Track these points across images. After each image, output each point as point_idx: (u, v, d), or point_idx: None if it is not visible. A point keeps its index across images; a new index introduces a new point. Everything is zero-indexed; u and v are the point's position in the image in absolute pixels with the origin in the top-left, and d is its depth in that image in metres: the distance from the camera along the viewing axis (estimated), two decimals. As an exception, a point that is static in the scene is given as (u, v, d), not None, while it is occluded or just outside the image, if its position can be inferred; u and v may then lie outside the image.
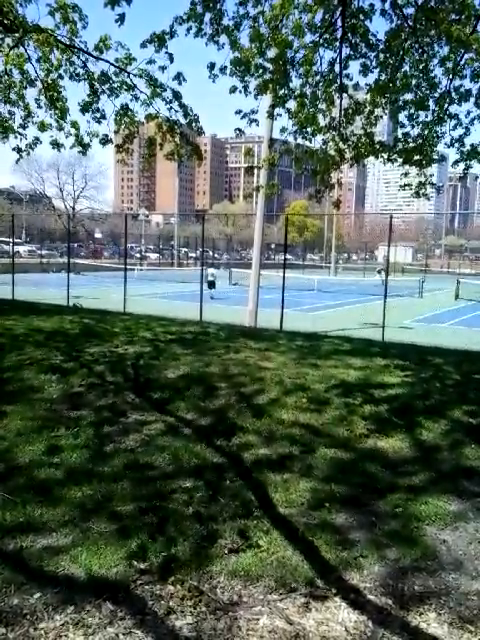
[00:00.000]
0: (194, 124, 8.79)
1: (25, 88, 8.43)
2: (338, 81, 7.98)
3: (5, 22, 7.48)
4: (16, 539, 3.73)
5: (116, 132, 8.92)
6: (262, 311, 16.00)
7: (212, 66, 7.75)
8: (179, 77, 8.08)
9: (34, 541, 3.72)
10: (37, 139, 8.85)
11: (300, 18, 7.26)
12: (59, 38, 7.94)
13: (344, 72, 7.90)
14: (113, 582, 3.32)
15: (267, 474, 4.97)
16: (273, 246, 73.91)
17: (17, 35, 7.64)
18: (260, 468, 5.12)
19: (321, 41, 7.56)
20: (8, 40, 7.95)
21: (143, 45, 7.58)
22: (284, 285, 15.74)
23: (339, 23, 7.51)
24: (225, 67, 7.68)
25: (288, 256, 19.34)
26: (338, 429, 6.31)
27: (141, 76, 8.35)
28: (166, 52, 7.66)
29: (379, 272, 37.45)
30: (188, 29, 7.36)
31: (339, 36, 7.60)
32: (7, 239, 37.82)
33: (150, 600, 3.19)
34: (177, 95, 8.42)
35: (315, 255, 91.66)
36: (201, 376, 8.41)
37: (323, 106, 8.21)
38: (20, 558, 3.55)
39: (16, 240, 30.47)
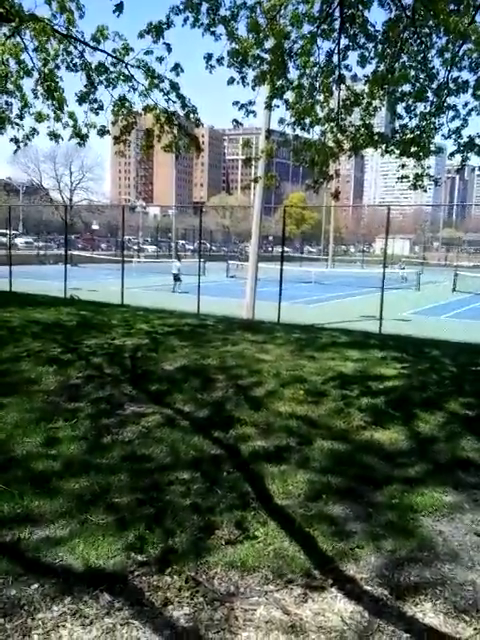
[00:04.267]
0: (192, 115, 8.73)
1: (22, 78, 8.33)
2: (336, 72, 7.93)
3: (1, 11, 7.39)
4: (14, 530, 3.74)
5: (114, 123, 8.85)
6: (259, 304, 15.99)
7: (209, 57, 7.70)
8: (177, 68, 8.02)
9: (32, 532, 3.73)
10: (34, 130, 8.76)
11: (298, 8, 7.21)
12: (56, 28, 7.86)
13: (342, 63, 7.86)
14: (111, 573, 3.34)
15: (264, 466, 4.99)
16: (271, 238, 73.81)
17: (13, 24, 7.56)
18: (257, 460, 5.14)
19: (319, 32, 7.51)
20: (4, 29, 7.87)
21: (140, 35, 7.52)
22: (282, 278, 15.73)
23: (337, 13, 7.46)
24: (222, 58, 7.63)
25: (286, 248, 19.28)
26: (335, 421, 6.32)
27: (139, 67, 8.28)
28: (164, 43, 7.59)
29: (402, 268, 36.57)
30: (185, 19, 7.30)
31: (337, 27, 7.55)
32: (4, 230, 37.81)
33: (148, 591, 3.21)
34: (175, 86, 8.36)
35: (313, 247, 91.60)
36: (199, 368, 8.41)
37: (321, 97, 8.16)
38: (18, 549, 3.56)
39: (13, 231, 30.39)
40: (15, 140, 8.84)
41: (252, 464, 5.06)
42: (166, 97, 8.47)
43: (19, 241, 51.00)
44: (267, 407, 6.69)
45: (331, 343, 11.19)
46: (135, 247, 58.90)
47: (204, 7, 7.23)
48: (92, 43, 8.04)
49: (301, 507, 4.25)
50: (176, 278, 23.59)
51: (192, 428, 5.93)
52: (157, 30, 7.43)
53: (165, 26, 7.41)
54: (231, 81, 7.84)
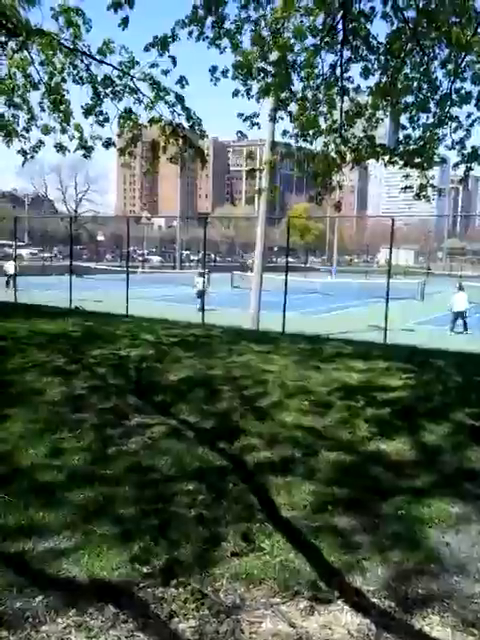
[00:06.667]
0: (197, 127, 8.78)
1: (28, 91, 8.42)
2: (339, 84, 7.98)
3: (8, 26, 7.47)
4: (18, 542, 3.72)
5: (119, 135, 8.92)
6: (264, 314, 16.01)
7: (214, 69, 7.75)
8: (182, 81, 8.08)
9: (36, 544, 3.71)
10: (41, 142, 8.82)
11: (301, 22, 7.26)
12: (62, 42, 7.94)
13: (345, 75, 7.90)
14: (116, 585, 3.31)
15: (270, 477, 4.97)
16: (275, 249, 73.97)
17: (21, 39, 7.64)
18: (263, 471, 5.12)
19: (322, 44, 7.55)
20: (11, 44, 7.95)
21: (146, 49, 7.58)
22: (286, 288, 15.74)
23: (340, 26, 7.50)
24: (227, 70, 7.69)
25: (290, 259, 19.28)
26: (340, 432, 6.30)
27: (144, 79, 8.34)
28: (169, 56, 7.66)
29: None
30: (190, 33, 7.36)
31: (340, 39, 7.60)
32: (9, 242, 38.11)
33: (153, 603, 3.19)
34: (180, 98, 8.41)
35: (317, 258, 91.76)
36: (204, 379, 8.41)
37: (324, 109, 8.21)
38: (22, 561, 3.54)
39: (18, 243, 30.56)
40: (22, 152, 8.91)
41: (257, 475, 5.04)
42: (171, 109, 8.53)
43: (24, 252, 51.22)
44: (272, 418, 6.68)
45: (336, 354, 11.17)
46: (140, 258, 59.09)
47: (209, 21, 7.29)
48: (98, 56, 8.11)
49: (307, 519, 4.23)
50: (199, 295, 20.09)
51: (197, 439, 5.91)
52: (163, 43, 7.49)
53: (170, 39, 7.46)
54: (236, 93, 7.90)
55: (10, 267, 25.73)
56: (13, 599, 3.16)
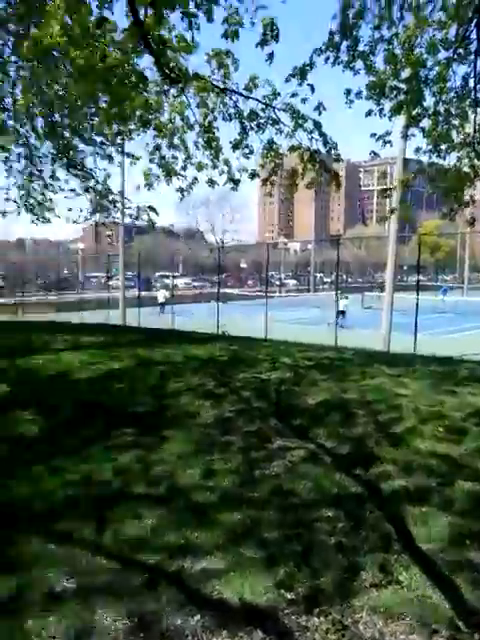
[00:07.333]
0: (333, 151, 8.91)
1: (185, 132, 9.11)
2: (472, 96, 7.81)
3: (172, 75, 8.15)
4: (178, 560, 4.04)
5: (262, 166, 9.30)
6: (395, 335, 15.66)
7: (348, 92, 7.97)
8: (319, 107, 8.26)
9: (192, 563, 4.01)
10: (195, 179, 9.49)
11: (434, 35, 7.23)
12: (214, 83, 8.48)
13: (478, 87, 7.72)
14: (263, 610, 3.50)
15: (406, 506, 4.95)
16: (405, 268, 71.67)
17: (180, 85, 8.29)
18: (398, 500, 5.11)
19: (454, 56, 7.46)
20: (173, 90, 8.66)
21: (287, 80, 7.88)
22: (417, 308, 15.27)
23: (473, 36, 7.35)
24: (360, 91, 7.84)
25: (420, 277, 18.50)
26: (477, 461, 6.07)
27: (285, 110, 8.62)
28: (308, 84, 7.90)
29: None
30: (326, 59, 7.60)
31: (473, 50, 7.45)
32: (167, 273, 41.77)
33: (297, 631, 3.33)
34: (317, 125, 8.56)
35: (448, 275, 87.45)
36: (339, 403, 8.45)
37: (457, 122, 8.06)
38: (181, 579, 3.85)
39: (174, 274, 33.64)
40: (180, 190, 9.61)
41: (393, 504, 5.05)
42: (310, 136, 8.71)
43: (180, 282, 55.03)
44: (407, 444, 6.59)
45: (470, 377, 10.64)
46: (277, 282, 60.13)
47: (343, 45, 7.47)
48: (245, 92, 8.54)
49: (443, 551, 4.19)
50: (341, 313, 21.68)
51: (334, 464, 6.00)
52: (302, 73, 7.75)
53: (308, 67, 7.71)
54: (369, 113, 8.03)
55: (160, 296, 28.76)
56: (174, 616, 3.47)
